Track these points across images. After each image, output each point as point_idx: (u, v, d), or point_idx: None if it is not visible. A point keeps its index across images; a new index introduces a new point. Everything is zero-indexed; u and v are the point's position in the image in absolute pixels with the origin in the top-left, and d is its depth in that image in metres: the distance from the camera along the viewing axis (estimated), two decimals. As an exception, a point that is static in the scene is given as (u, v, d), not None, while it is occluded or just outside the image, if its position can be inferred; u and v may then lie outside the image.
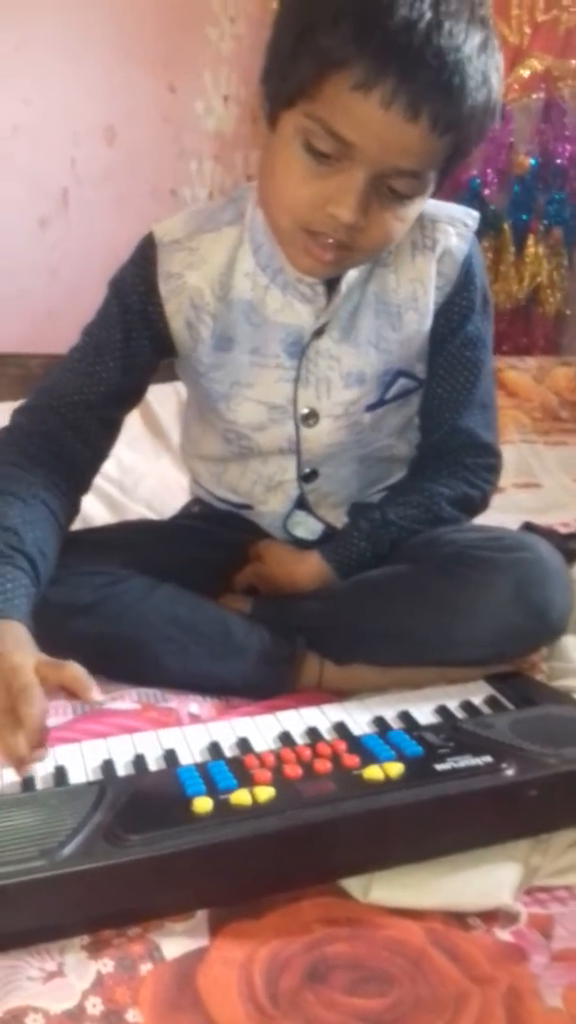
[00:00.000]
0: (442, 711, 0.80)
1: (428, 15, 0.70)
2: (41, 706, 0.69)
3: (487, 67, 0.74)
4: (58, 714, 0.83)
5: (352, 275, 0.90)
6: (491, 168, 2.10)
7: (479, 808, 0.67)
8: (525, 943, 0.62)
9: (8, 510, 0.84)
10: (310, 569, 0.97)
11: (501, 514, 1.12)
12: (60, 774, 0.70)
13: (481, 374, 0.97)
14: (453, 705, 0.80)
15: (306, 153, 0.76)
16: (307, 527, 1.03)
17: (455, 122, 0.74)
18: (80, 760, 0.72)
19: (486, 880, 0.66)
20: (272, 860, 0.64)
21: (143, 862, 0.59)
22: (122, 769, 0.71)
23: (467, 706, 0.81)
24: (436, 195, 0.85)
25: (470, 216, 0.94)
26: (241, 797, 0.64)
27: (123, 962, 0.59)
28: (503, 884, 0.66)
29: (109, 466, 1.15)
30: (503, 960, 0.60)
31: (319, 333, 0.91)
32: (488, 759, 0.69)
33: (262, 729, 0.77)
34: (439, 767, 0.68)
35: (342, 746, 0.71)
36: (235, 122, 2.08)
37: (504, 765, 0.68)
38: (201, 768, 0.69)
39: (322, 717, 0.79)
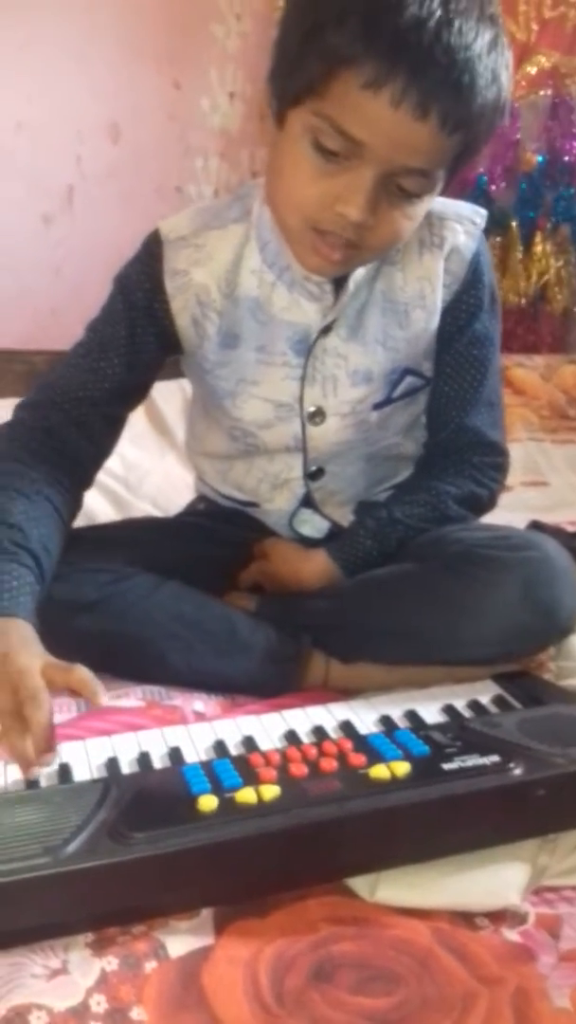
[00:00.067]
0: (449, 710, 0.79)
1: (438, 13, 0.69)
2: (48, 711, 0.69)
3: (497, 65, 0.73)
4: (62, 711, 0.83)
5: (360, 273, 0.89)
6: (498, 165, 2.09)
7: (486, 808, 0.67)
8: (533, 943, 0.62)
9: (12, 506, 0.84)
10: (316, 567, 0.96)
11: (508, 512, 1.12)
12: (64, 771, 0.70)
13: (488, 372, 0.97)
14: (460, 704, 0.80)
15: (314, 151, 0.75)
16: (313, 525, 1.03)
17: (465, 121, 0.73)
18: (84, 757, 0.72)
19: (493, 880, 0.65)
20: (278, 859, 0.63)
21: (148, 860, 0.59)
22: (127, 767, 0.71)
23: (474, 705, 0.80)
24: (444, 192, 0.85)
25: (478, 214, 0.94)
26: (246, 795, 0.64)
27: (128, 960, 0.59)
28: (511, 884, 0.65)
29: (114, 463, 1.15)
30: (511, 960, 0.60)
31: (326, 331, 0.91)
32: (495, 758, 0.69)
33: (268, 727, 0.76)
34: (446, 766, 0.68)
35: (348, 745, 0.71)
36: (241, 119, 2.07)
37: (512, 764, 0.68)
38: (206, 766, 0.68)
39: (328, 716, 0.78)
